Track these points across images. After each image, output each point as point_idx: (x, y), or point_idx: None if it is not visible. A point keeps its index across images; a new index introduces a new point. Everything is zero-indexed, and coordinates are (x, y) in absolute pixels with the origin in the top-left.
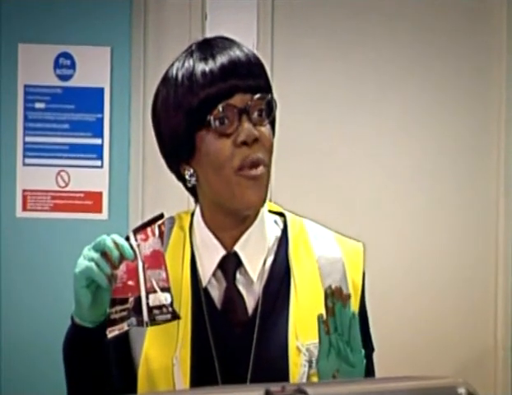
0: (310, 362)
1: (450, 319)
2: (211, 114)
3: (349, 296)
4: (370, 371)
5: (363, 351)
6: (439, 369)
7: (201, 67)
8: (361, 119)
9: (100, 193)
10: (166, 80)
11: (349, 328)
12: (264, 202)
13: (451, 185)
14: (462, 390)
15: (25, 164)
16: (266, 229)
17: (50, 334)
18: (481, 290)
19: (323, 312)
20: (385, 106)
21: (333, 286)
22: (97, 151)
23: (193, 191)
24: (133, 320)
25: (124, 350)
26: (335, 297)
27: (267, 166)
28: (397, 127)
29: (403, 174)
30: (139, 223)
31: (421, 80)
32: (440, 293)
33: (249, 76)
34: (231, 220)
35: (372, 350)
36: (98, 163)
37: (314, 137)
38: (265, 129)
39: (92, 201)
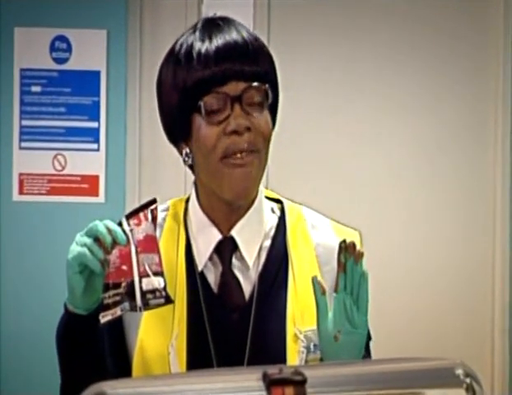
0: (308, 348)
1: (447, 302)
2: (202, 100)
3: (362, 254)
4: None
5: (368, 316)
6: (437, 351)
7: (197, 47)
8: (359, 110)
9: (97, 177)
10: (170, 55)
11: (358, 287)
12: (254, 190)
13: (450, 179)
14: (459, 371)
15: (21, 148)
16: (263, 214)
17: (48, 319)
18: (479, 273)
19: (318, 274)
20: (384, 100)
21: (348, 241)
22: (93, 135)
23: (192, 169)
24: (126, 305)
25: (118, 337)
26: (348, 253)
27: (259, 152)
28: (396, 121)
29: (403, 169)
30: (136, 206)
31: (419, 75)
32: (438, 276)
33: (244, 63)
34: (226, 206)
35: (369, 339)
36: (94, 146)
37: (311, 123)
38: (261, 117)
39: (89, 184)
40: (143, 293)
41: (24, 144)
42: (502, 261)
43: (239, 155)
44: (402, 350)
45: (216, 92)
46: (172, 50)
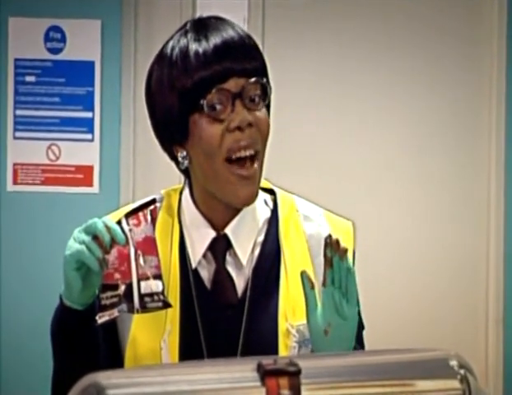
0: (301, 343)
1: (441, 293)
2: (204, 98)
3: (346, 250)
4: (361, 349)
5: (358, 307)
6: (431, 342)
7: (195, 47)
8: (353, 106)
9: (91, 167)
10: (161, 58)
11: (346, 280)
12: (257, 196)
13: (445, 171)
14: (453, 362)
15: (15, 138)
16: (257, 210)
17: (41, 309)
18: (473, 264)
19: (310, 267)
20: (378, 95)
21: (333, 237)
22: (88, 125)
23: (185, 172)
24: (124, 306)
25: (111, 331)
26: (333, 249)
27: (259, 156)
28: (391, 115)
29: (397, 163)
30: (130, 196)
31: (414, 69)
32: (431, 264)
33: (243, 59)
34: (223, 206)
35: (362, 328)
36: (89, 136)
37: (305, 120)
38: (260, 113)
39: (83, 174)
40: (141, 296)
41: (18, 134)
42: (496, 251)
43: (245, 167)
44: (395, 341)
45: (218, 89)
46: (163, 54)
